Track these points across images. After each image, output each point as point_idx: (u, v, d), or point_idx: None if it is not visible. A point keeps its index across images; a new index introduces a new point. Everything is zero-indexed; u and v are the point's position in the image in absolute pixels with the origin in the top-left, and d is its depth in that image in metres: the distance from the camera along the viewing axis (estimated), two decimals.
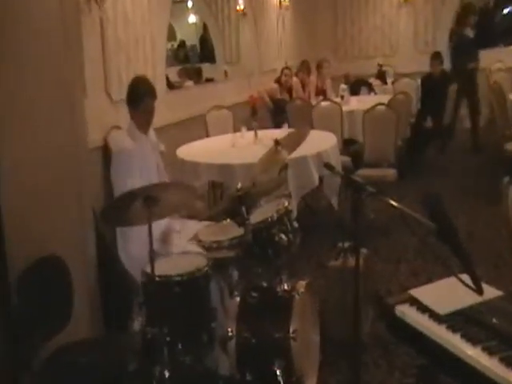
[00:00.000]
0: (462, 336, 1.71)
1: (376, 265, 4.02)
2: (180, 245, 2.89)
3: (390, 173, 4.98)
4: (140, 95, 3.00)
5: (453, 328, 1.76)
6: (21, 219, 2.37)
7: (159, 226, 2.74)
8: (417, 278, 3.90)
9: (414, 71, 8.13)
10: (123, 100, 3.14)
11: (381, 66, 8.50)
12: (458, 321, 1.79)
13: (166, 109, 4.91)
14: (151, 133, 3.21)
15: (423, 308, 1.89)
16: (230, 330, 2.44)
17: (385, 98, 6.19)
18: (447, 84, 6.70)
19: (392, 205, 1.75)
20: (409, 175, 5.91)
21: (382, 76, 8.38)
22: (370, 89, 7.82)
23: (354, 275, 1.89)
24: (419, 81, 7.32)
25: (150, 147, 3.15)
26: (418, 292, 2.00)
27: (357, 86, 7.87)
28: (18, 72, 2.41)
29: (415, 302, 1.94)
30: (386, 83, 8.21)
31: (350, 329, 1.85)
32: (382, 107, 5.27)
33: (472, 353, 1.65)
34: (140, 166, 2.96)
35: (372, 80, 8.20)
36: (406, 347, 2.32)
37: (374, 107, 5.27)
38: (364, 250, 3.22)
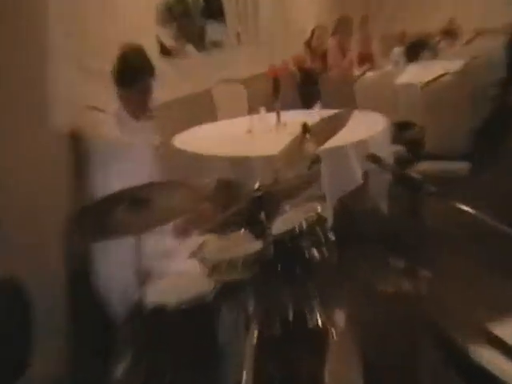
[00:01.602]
0: None
1: (441, 290, 4.01)
2: (179, 263, 2.92)
3: (461, 167, 4.97)
4: (133, 72, 3.07)
5: None
6: None
7: None
8: (497, 309, 3.87)
9: (499, 26, 8.05)
10: (102, 71, 3.17)
11: (451, 19, 8.40)
12: None
13: (159, 82, 4.93)
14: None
15: (509, 350, 1.89)
16: (244, 373, 2.46)
17: (455, 65, 6.14)
18: None
19: (462, 210, 1.75)
20: (486, 170, 5.87)
21: (451, 34, 8.30)
22: (435, 52, 7.78)
23: (410, 304, 1.89)
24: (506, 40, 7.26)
25: (143, 139, 3.19)
26: (501, 329, 1.99)
27: (416, 49, 7.84)
28: None
29: (497, 342, 1.94)
30: (456, 44, 8.16)
31: (404, 374, 1.86)
32: (451, 78, 5.25)
33: None
34: (127, 161, 2.98)
35: (438, 39, 8.14)
36: None
37: (439, 78, 5.26)
38: (424, 271, 3.21)
